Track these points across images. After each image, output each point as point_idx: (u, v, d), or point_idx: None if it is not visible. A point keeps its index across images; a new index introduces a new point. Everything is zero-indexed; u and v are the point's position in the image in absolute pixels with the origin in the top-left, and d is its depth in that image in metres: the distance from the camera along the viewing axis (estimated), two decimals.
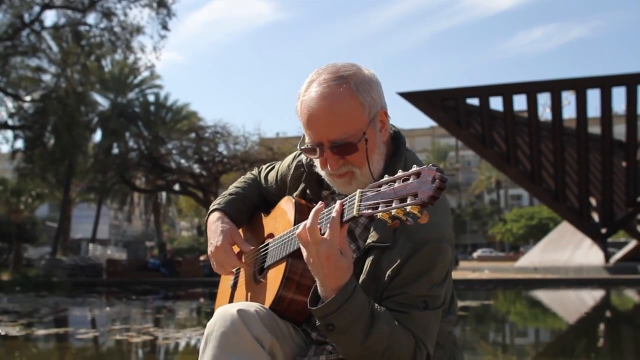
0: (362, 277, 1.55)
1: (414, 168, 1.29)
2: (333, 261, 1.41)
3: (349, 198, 1.41)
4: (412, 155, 1.70)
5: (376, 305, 1.49)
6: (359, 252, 1.59)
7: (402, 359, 1.48)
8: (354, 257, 1.51)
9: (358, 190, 1.38)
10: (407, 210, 1.24)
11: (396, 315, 1.50)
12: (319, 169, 1.67)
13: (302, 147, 1.63)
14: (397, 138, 1.70)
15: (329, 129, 1.55)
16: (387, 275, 1.53)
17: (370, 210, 1.31)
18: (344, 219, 1.40)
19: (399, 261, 1.52)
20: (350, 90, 1.56)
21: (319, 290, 1.47)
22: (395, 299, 1.52)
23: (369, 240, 1.56)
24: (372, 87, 1.60)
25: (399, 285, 1.52)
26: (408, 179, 1.28)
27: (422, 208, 1.24)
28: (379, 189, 1.33)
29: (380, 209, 1.29)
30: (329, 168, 1.59)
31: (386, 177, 1.34)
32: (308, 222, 1.45)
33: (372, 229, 1.57)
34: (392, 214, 1.27)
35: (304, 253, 1.46)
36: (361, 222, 1.65)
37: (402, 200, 1.26)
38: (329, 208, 1.48)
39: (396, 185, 1.29)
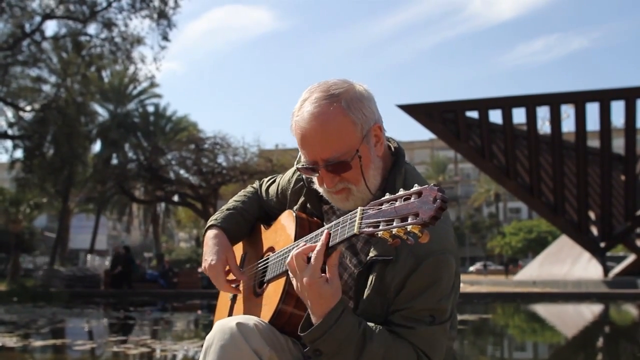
0: (366, 292, 1.56)
1: (416, 187, 1.30)
2: (315, 289, 1.44)
3: (350, 215, 1.43)
4: (412, 168, 1.71)
5: (371, 325, 1.50)
6: (361, 266, 1.60)
7: None
8: (354, 273, 1.54)
9: (359, 208, 1.40)
10: (408, 229, 1.26)
11: (401, 330, 1.52)
12: (317, 186, 1.69)
13: (299, 167, 1.66)
14: (396, 151, 1.71)
15: (322, 149, 1.57)
16: (391, 289, 1.54)
17: (371, 229, 1.33)
18: (339, 240, 1.43)
19: (402, 275, 1.52)
20: (341, 108, 1.57)
21: (311, 317, 1.50)
22: (402, 313, 1.53)
23: (371, 254, 1.56)
24: (363, 103, 1.61)
25: (405, 300, 1.53)
26: (409, 198, 1.30)
27: (423, 228, 1.25)
28: (380, 207, 1.35)
29: (381, 227, 1.31)
30: (325, 186, 1.61)
31: (387, 196, 1.35)
32: (294, 251, 1.49)
33: (373, 242, 1.57)
34: (393, 232, 1.28)
35: (293, 282, 1.51)
36: (362, 236, 1.66)
37: (403, 219, 1.27)
38: (318, 231, 1.52)
39: (397, 204, 1.31)
